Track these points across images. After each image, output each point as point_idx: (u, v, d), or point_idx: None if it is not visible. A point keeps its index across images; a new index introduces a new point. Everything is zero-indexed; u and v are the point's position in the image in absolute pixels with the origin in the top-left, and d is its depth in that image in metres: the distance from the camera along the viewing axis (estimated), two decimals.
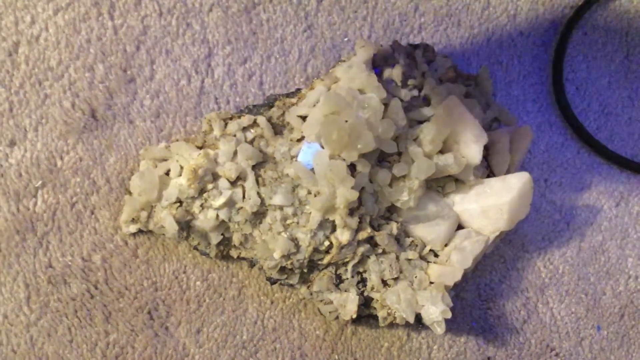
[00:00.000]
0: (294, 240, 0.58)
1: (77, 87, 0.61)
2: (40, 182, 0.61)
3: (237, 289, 0.64)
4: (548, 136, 0.68)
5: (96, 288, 0.62)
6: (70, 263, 0.62)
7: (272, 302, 0.65)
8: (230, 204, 0.58)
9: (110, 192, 0.62)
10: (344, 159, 0.54)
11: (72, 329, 0.62)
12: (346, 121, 0.53)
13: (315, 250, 0.58)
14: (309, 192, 0.57)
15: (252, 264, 0.61)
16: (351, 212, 0.56)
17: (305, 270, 0.60)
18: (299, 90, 0.62)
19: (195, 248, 0.61)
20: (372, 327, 0.66)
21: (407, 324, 0.62)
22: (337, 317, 0.61)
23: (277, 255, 0.57)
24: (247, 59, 0.64)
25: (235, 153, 0.58)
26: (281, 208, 0.58)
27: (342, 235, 0.57)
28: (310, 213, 0.57)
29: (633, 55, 0.69)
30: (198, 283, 0.64)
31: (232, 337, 0.64)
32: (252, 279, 0.64)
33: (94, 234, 0.62)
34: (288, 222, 0.58)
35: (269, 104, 0.61)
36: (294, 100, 0.60)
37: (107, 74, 0.62)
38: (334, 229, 0.57)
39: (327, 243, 0.58)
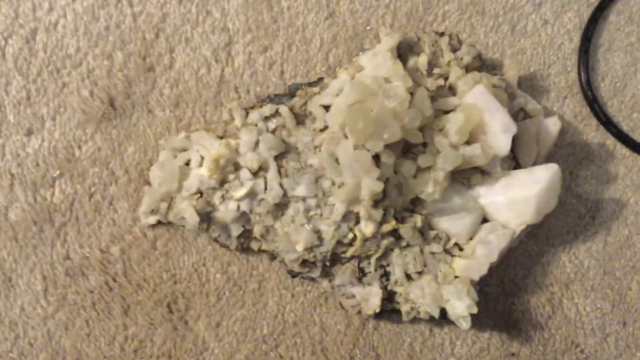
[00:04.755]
0: (317, 232, 0.57)
1: (95, 75, 0.61)
2: (57, 172, 0.61)
3: (257, 282, 0.64)
4: (574, 127, 0.68)
5: (114, 280, 0.62)
6: (88, 255, 0.62)
7: (292, 296, 0.64)
8: (251, 195, 0.57)
9: (129, 183, 0.62)
10: (369, 150, 0.53)
11: (90, 322, 0.62)
12: (371, 111, 0.52)
13: (339, 242, 0.57)
14: (333, 183, 0.57)
15: (273, 256, 0.61)
16: (375, 203, 0.56)
17: (327, 264, 0.59)
18: (321, 79, 0.61)
19: (216, 240, 0.60)
20: (394, 322, 0.65)
21: (430, 319, 0.61)
22: (359, 312, 0.61)
23: (299, 247, 0.57)
24: (267, 47, 0.64)
25: (257, 143, 0.58)
26: (304, 199, 0.57)
27: (366, 228, 0.56)
28: (334, 205, 0.56)
29: None
30: (218, 276, 0.63)
31: (252, 331, 0.64)
32: (273, 272, 0.64)
33: (113, 225, 0.62)
34: (311, 213, 0.57)
35: (291, 93, 0.61)
36: (316, 89, 0.60)
37: (125, 62, 0.62)
38: (357, 221, 0.57)
39: (350, 235, 0.57)
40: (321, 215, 0.57)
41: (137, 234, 0.62)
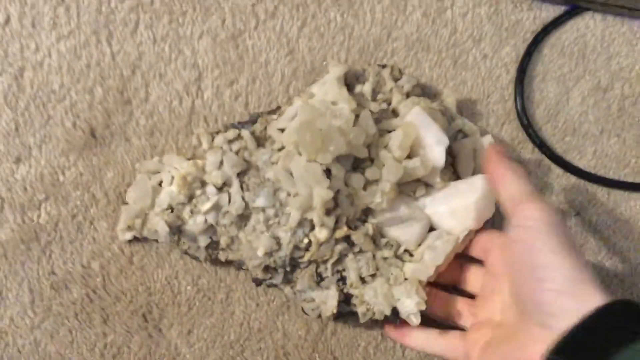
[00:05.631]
0: (276, 238, 0.62)
1: (77, 108, 0.65)
2: (43, 196, 0.65)
3: (225, 293, 0.68)
4: (511, 150, 0.72)
5: (95, 293, 0.66)
6: (71, 270, 0.65)
7: (257, 305, 0.68)
8: (217, 208, 0.62)
9: (108, 205, 0.66)
10: (320, 164, 0.59)
11: (73, 331, 0.66)
12: (320, 129, 0.58)
13: (296, 247, 0.62)
14: (289, 194, 0.61)
15: (239, 266, 0.65)
16: (328, 212, 0.60)
17: (288, 269, 0.63)
18: (279, 107, 0.66)
19: (186, 252, 0.65)
20: (350, 327, 0.69)
21: (384, 320, 0.64)
22: (319, 315, 0.64)
23: (260, 252, 0.61)
24: (234, 81, 0.68)
25: (221, 163, 0.62)
26: (263, 210, 0.62)
27: (320, 233, 0.61)
28: (290, 213, 0.61)
29: (589, 74, 0.73)
30: (189, 288, 0.67)
31: (221, 338, 0.68)
32: (239, 283, 0.68)
33: (93, 243, 0.66)
34: (270, 222, 0.62)
35: (253, 120, 0.65)
36: (275, 116, 0.64)
37: (105, 96, 0.65)
38: (312, 228, 0.61)
39: (306, 240, 0.62)
40: (279, 223, 0.62)
41: (115, 250, 0.66)
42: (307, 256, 0.62)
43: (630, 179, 0.74)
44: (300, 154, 0.60)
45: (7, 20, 0.64)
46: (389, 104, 0.66)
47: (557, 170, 0.73)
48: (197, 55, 0.68)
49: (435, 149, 0.62)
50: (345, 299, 0.64)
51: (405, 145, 0.61)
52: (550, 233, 0.53)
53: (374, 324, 0.68)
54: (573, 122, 0.73)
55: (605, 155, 0.74)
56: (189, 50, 0.67)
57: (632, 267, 0.74)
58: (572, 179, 0.73)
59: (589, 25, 0.73)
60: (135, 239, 0.66)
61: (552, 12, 0.73)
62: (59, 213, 0.65)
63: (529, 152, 0.73)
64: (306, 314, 0.66)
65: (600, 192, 0.74)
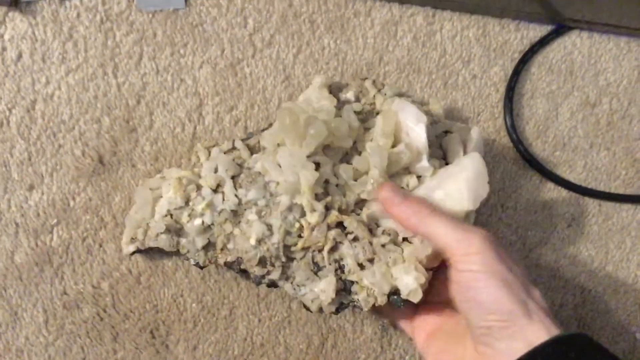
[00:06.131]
0: (268, 225, 0.63)
1: (86, 137, 0.68)
2: (55, 220, 0.68)
3: (229, 310, 0.70)
4: (502, 166, 0.74)
5: (105, 311, 0.68)
6: (82, 290, 0.68)
7: (259, 321, 0.71)
8: (212, 206, 0.63)
9: (116, 227, 0.68)
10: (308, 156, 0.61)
11: (85, 348, 0.68)
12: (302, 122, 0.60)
13: (288, 233, 0.63)
14: (278, 184, 0.62)
15: (238, 266, 0.65)
16: (317, 197, 0.62)
17: (283, 260, 0.64)
18: (271, 124, 0.68)
19: (187, 258, 0.66)
20: (350, 340, 0.71)
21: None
22: (321, 309, 0.64)
23: (253, 240, 0.62)
24: (233, 107, 0.70)
25: (216, 170, 0.64)
26: (255, 203, 0.63)
27: (311, 217, 0.62)
28: (280, 201, 0.62)
29: (577, 90, 0.75)
30: (194, 305, 0.70)
31: (225, 353, 0.70)
32: (242, 300, 0.70)
33: (102, 264, 0.68)
34: (262, 213, 0.63)
35: (248, 137, 0.68)
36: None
37: (112, 125, 0.68)
38: (303, 214, 0.62)
39: (297, 225, 0.62)
40: (270, 213, 0.63)
41: (123, 270, 0.68)
42: (300, 243, 0.63)
43: (621, 191, 0.76)
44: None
45: (20, 57, 0.67)
46: (374, 108, 0.68)
47: (548, 184, 0.75)
48: (198, 84, 0.70)
49: (416, 129, 0.63)
50: (345, 288, 0.64)
51: (387, 131, 0.62)
52: (489, 275, 0.55)
53: (374, 336, 0.70)
54: (563, 137, 0.75)
55: (596, 169, 0.76)
56: (190, 79, 0.70)
57: (625, 277, 0.76)
58: (564, 192, 0.75)
59: (576, 43, 0.76)
60: (142, 257, 0.68)
61: (539, 31, 0.75)
62: (70, 236, 0.68)
63: (520, 167, 0.75)
64: (307, 308, 0.65)
65: (592, 204, 0.76)
